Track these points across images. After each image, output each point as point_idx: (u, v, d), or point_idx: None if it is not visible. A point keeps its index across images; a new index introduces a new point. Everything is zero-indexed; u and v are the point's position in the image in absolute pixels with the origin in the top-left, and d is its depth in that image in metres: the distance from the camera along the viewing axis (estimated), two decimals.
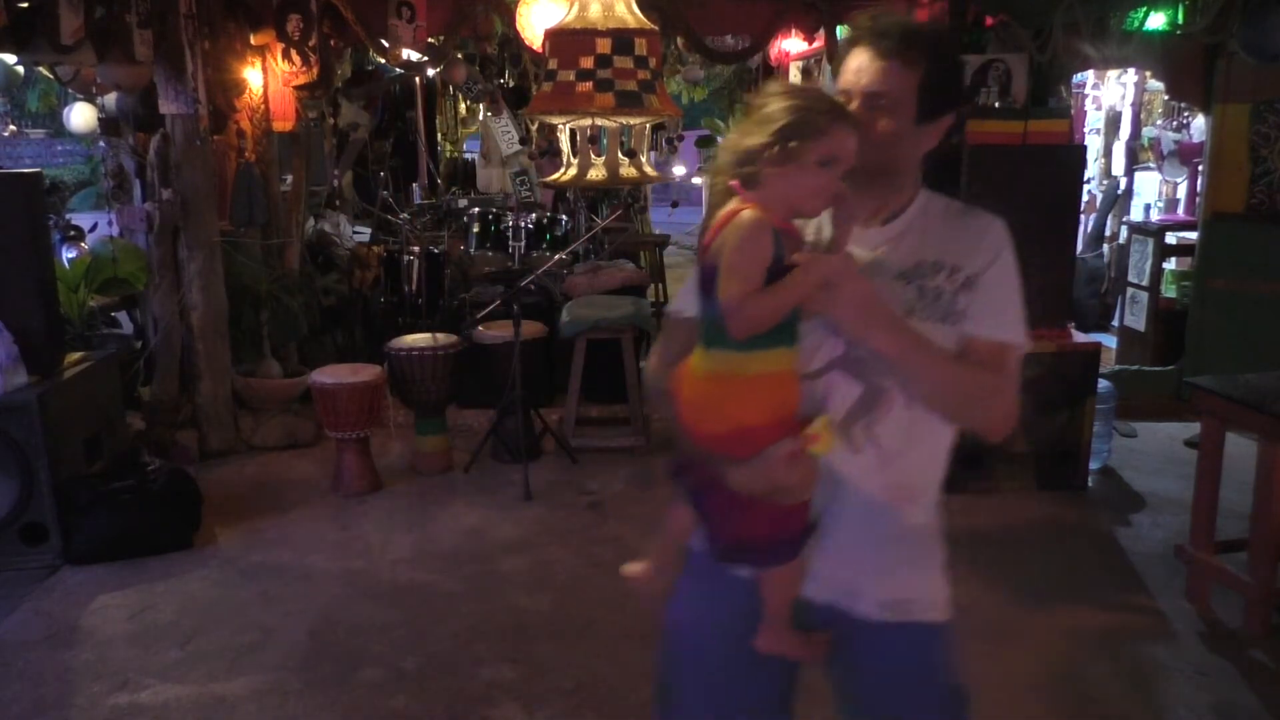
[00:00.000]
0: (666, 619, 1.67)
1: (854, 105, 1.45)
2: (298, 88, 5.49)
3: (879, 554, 1.53)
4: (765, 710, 1.69)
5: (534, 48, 5.06)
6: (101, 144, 6.34)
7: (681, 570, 1.65)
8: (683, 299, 1.58)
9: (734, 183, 1.39)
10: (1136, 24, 5.11)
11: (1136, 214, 7.44)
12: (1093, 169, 7.50)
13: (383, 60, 5.84)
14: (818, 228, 1.50)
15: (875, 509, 1.52)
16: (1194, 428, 4.30)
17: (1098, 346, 4.56)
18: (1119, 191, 7.49)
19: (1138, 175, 7.60)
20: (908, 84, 1.43)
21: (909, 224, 1.52)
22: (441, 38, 5.52)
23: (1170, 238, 6.32)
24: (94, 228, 6.16)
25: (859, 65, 1.45)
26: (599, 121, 1.52)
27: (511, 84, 8.54)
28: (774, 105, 1.38)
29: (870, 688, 1.62)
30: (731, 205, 1.39)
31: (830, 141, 1.36)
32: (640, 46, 1.53)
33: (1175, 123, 7.23)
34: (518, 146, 8.90)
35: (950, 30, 1.33)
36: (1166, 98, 6.92)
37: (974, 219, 1.52)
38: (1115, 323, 6.93)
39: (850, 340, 1.45)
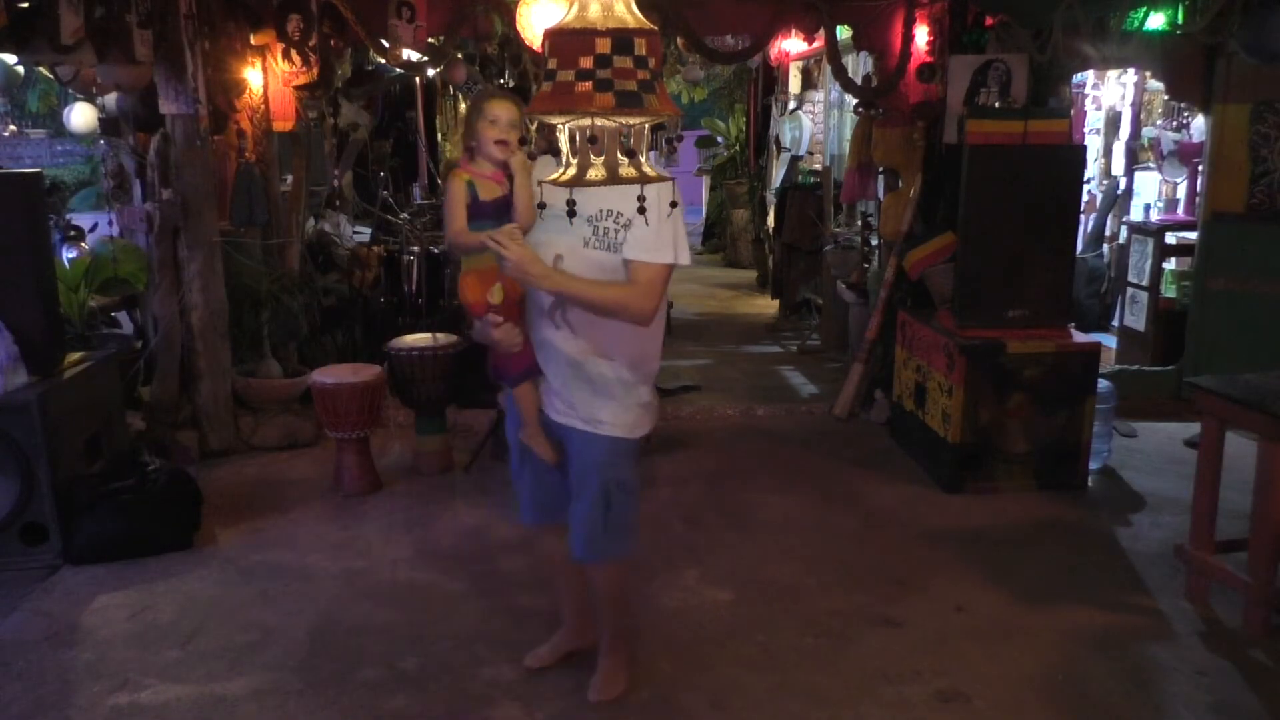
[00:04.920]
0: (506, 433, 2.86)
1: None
2: (298, 88, 5.49)
3: (579, 389, 2.55)
4: (558, 485, 2.74)
5: (534, 48, 5.06)
6: (101, 144, 6.34)
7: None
8: None
9: (462, 159, 2.56)
10: (1136, 24, 5.11)
11: (1136, 214, 7.43)
12: (1093, 169, 7.50)
13: (383, 60, 5.84)
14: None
15: (575, 362, 2.52)
16: (1194, 428, 4.30)
17: (1098, 346, 4.56)
18: (1119, 191, 7.49)
19: (1138, 175, 7.59)
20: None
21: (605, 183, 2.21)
22: (441, 38, 5.51)
23: (1170, 238, 6.32)
24: (94, 228, 6.15)
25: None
26: (599, 121, 1.52)
27: (511, 84, 8.53)
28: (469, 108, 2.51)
29: (571, 468, 2.66)
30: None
31: (485, 112, 2.47)
32: (640, 46, 1.53)
33: (1175, 123, 7.22)
34: None
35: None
36: (1166, 98, 6.91)
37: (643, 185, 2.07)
38: (1115, 323, 6.93)
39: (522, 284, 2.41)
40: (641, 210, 1.93)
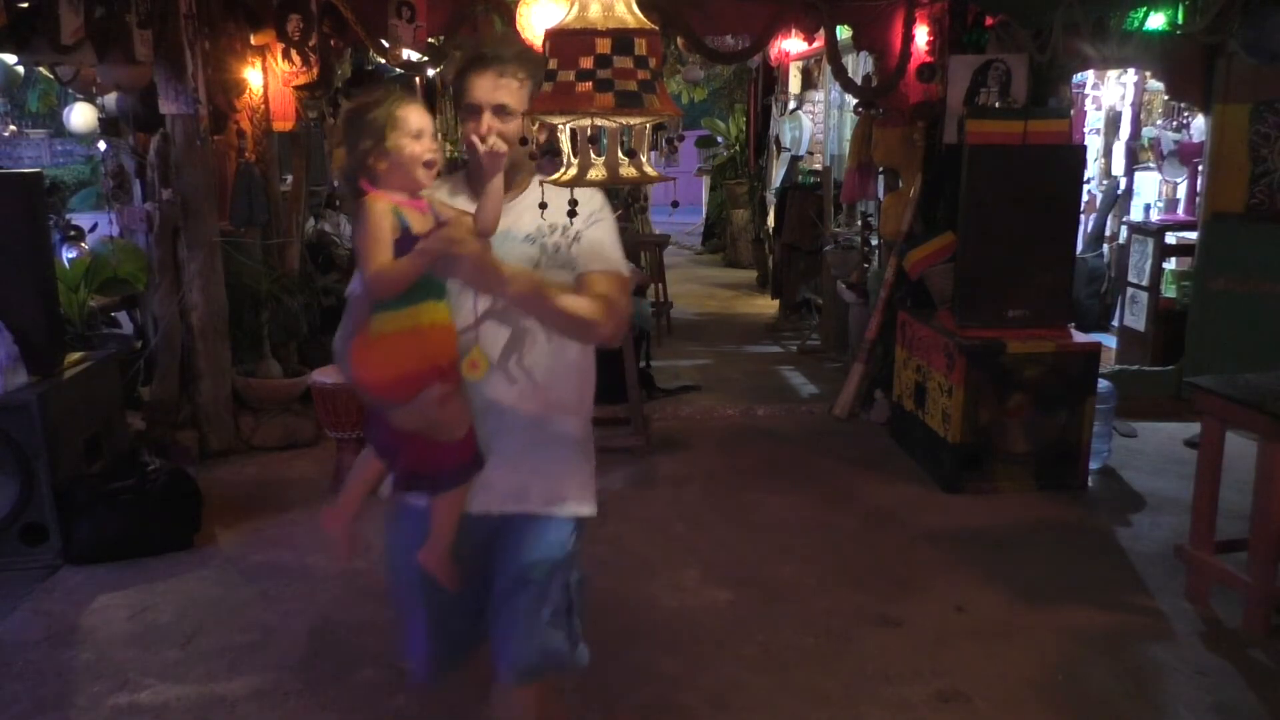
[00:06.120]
0: (386, 558, 2.10)
1: (485, 115, 1.88)
2: (298, 88, 5.49)
3: (541, 459, 1.98)
4: (467, 620, 2.07)
5: (534, 48, 5.06)
6: (101, 144, 6.35)
7: (382, 515, 2.05)
8: (357, 280, 1.93)
9: (364, 183, 1.81)
10: (1136, 24, 5.10)
11: (1136, 214, 7.43)
12: (1093, 169, 7.50)
13: (383, 60, 5.84)
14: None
15: (535, 423, 1.96)
16: (1194, 428, 4.30)
17: (1098, 346, 4.57)
18: (1119, 191, 7.49)
19: (1138, 175, 7.59)
20: (524, 96, 1.89)
21: (529, 201, 1.89)
22: (441, 38, 5.52)
23: (1170, 238, 6.32)
24: (94, 228, 6.17)
25: (486, 84, 1.89)
26: (599, 121, 1.52)
27: None
28: (355, 119, 1.83)
29: (519, 572, 1.98)
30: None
31: (404, 123, 1.81)
32: (640, 46, 1.53)
33: (1175, 123, 7.23)
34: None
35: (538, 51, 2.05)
36: (1166, 98, 6.91)
37: (578, 192, 1.91)
38: (1115, 323, 6.93)
39: (481, 293, 1.85)
40: (572, 214, 1.67)
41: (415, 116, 1.83)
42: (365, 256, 1.76)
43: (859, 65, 6.79)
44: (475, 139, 1.88)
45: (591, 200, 1.94)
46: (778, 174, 9.50)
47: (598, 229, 1.98)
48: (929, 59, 5.35)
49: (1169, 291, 6.27)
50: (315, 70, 5.34)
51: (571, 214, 1.78)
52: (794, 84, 9.40)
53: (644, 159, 1.64)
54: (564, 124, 1.58)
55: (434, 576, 1.94)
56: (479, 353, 1.85)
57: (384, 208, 1.78)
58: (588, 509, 2.06)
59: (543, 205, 1.75)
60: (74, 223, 6.29)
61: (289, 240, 5.72)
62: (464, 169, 2.07)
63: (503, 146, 1.85)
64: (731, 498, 4.49)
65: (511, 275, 1.80)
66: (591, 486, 2.08)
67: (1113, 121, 7.71)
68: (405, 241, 1.78)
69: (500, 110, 1.89)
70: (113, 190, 5.64)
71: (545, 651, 1.99)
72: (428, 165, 1.84)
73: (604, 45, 1.53)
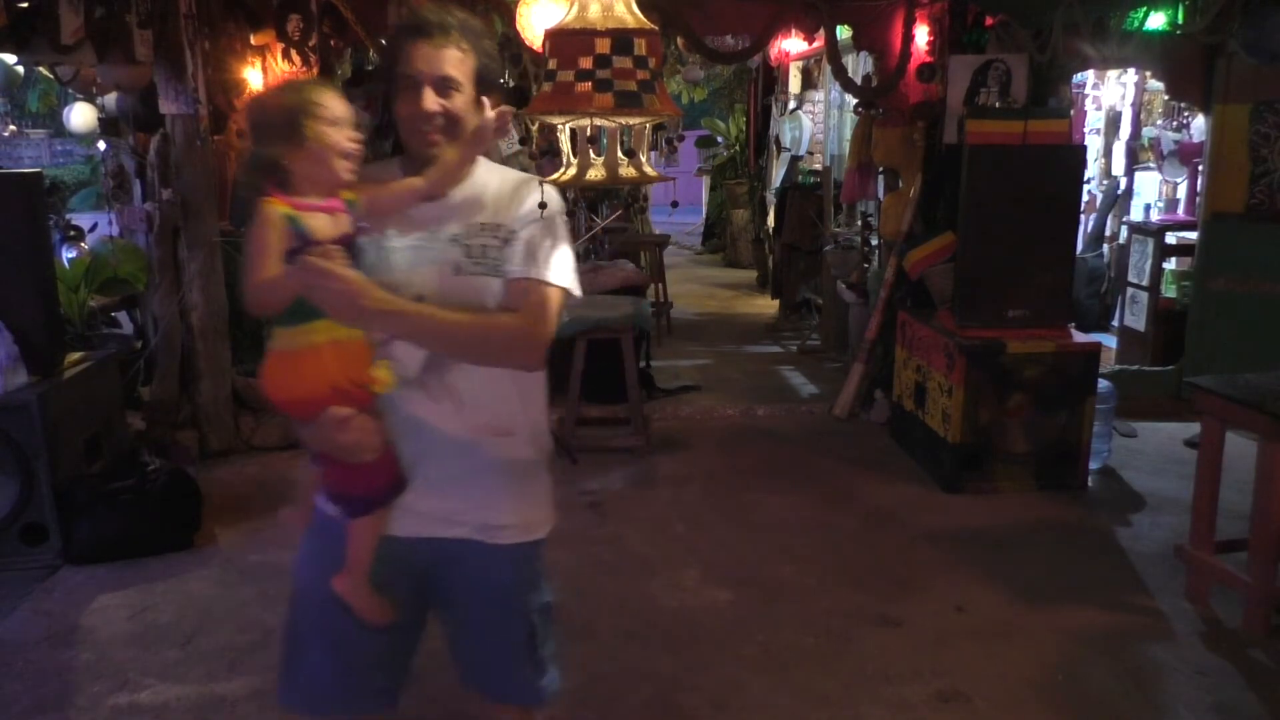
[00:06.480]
0: (293, 570, 1.91)
1: (425, 91, 1.64)
2: None
3: (472, 486, 1.76)
4: (377, 655, 1.85)
5: (534, 48, 5.06)
6: (101, 144, 6.35)
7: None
8: None
9: (270, 185, 1.58)
10: (1136, 24, 5.11)
11: (1136, 214, 7.44)
12: (1093, 169, 7.50)
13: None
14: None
15: (464, 447, 1.74)
16: (1194, 428, 4.30)
17: (1098, 346, 4.57)
18: (1119, 191, 7.49)
19: (1138, 175, 7.60)
20: (468, 69, 1.67)
21: (466, 194, 1.73)
22: None
23: (1170, 238, 6.32)
24: (94, 228, 6.17)
25: (427, 55, 1.64)
26: (598, 121, 1.52)
27: (511, 84, 8.53)
28: (265, 108, 1.64)
29: (467, 603, 1.85)
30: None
31: (322, 109, 1.59)
32: (640, 46, 1.53)
33: (1175, 123, 7.23)
34: (518, 146, 8.89)
35: (486, 25, 1.72)
36: (1166, 98, 6.92)
37: (523, 185, 1.74)
38: (1115, 323, 6.93)
39: (355, 328, 1.60)
40: (543, 207, 1.58)
41: (334, 102, 1.64)
42: (247, 268, 1.56)
43: (859, 65, 6.79)
44: (454, 112, 1.67)
45: (533, 197, 1.71)
46: (778, 174, 9.50)
47: (536, 229, 1.71)
48: (929, 59, 5.35)
49: (1169, 291, 6.27)
50: (315, 70, 5.35)
51: (571, 212, 1.75)
52: (794, 84, 9.41)
53: (644, 159, 1.64)
54: (563, 124, 1.58)
55: (348, 606, 1.75)
56: (383, 368, 1.63)
57: (277, 214, 1.56)
58: (537, 534, 1.86)
59: (542, 205, 1.68)
60: (74, 223, 6.29)
61: None
62: (400, 156, 1.80)
63: (509, 109, 1.68)
64: (731, 498, 4.49)
65: (386, 307, 1.56)
66: (542, 509, 1.89)
67: (1113, 121, 7.71)
68: (303, 250, 1.56)
69: (443, 84, 1.65)
70: (113, 190, 5.65)
71: (507, 683, 1.89)
72: (346, 157, 1.63)
73: (604, 45, 1.53)
